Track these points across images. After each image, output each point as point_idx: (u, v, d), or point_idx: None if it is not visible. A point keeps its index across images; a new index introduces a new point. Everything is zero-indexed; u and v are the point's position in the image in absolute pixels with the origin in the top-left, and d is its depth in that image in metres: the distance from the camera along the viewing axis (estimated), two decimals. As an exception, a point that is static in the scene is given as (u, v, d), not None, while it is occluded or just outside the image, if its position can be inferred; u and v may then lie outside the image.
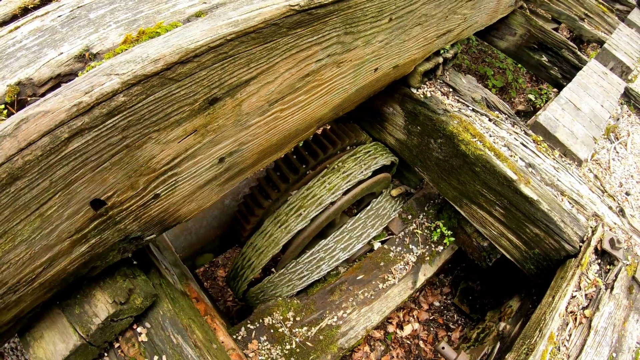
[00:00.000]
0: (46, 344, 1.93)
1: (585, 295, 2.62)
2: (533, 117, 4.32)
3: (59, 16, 1.71)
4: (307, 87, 2.01)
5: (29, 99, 1.41)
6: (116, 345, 2.11)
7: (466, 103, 3.34)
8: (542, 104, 5.38)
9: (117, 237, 1.81)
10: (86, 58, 1.54)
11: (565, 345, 2.40)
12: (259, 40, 1.63)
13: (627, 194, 3.60)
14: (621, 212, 3.15)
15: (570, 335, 2.44)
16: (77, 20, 1.67)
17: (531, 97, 5.16)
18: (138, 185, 1.65)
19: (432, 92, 3.29)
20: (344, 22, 1.96)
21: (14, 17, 1.81)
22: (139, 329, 2.15)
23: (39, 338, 1.94)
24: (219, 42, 1.50)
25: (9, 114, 1.35)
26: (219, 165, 1.88)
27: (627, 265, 2.75)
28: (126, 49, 1.50)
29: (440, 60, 3.26)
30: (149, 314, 2.18)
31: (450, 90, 3.41)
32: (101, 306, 2.00)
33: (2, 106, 1.36)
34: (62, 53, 1.51)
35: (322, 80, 2.07)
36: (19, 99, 1.41)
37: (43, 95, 1.43)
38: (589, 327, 2.46)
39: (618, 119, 4.28)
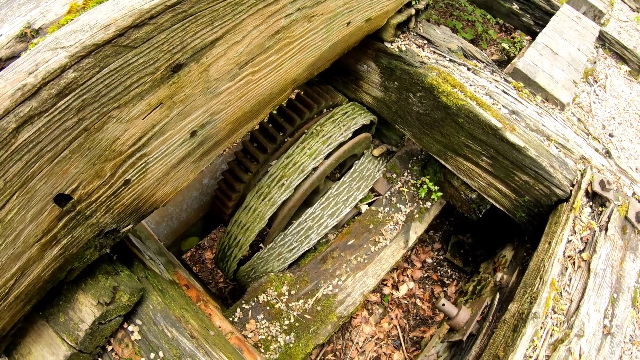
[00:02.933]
0: (34, 359, 1.75)
1: (581, 238, 2.56)
2: (511, 64, 4.21)
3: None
4: (279, 46, 1.81)
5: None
6: (109, 348, 1.96)
7: (443, 54, 3.18)
8: (516, 53, 5.28)
9: (90, 233, 1.62)
10: (28, 36, 1.31)
11: (566, 290, 2.35)
12: (221, -5, 1.42)
13: (611, 135, 3.57)
14: (607, 154, 3.09)
15: (570, 280, 2.39)
16: (14, -4, 1.43)
17: (505, 46, 5.03)
18: (104, 173, 1.45)
19: (406, 45, 3.11)
20: (311, -30, 1.76)
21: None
22: (130, 328, 1.99)
23: (27, 354, 1.79)
24: (176, 0, 1.29)
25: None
26: (191, 139, 1.68)
27: (619, 205, 2.70)
28: (72, 19, 1.27)
29: (413, 12, 3.08)
30: (139, 310, 2.02)
31: (425, 42, 3.24)
32: (86, 310, 1.83)
33: None
34: (0, 35, 1.28)
35: (293, 37, 1.87)
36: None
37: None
38: (588, 270, 2.42)
39: (595, 62, 4.24)
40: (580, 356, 2.13)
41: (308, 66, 2.17)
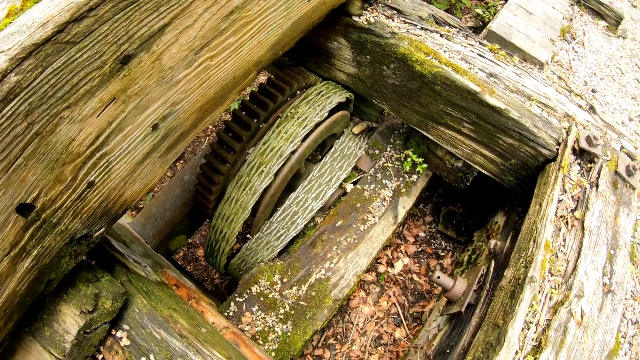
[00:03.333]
0: None
1: (572, 197, 2.54)
2: (485, 29, 4.18)
3: None
4: (235, 27, 1.77)
5: None
6: (99, 357, 1.94)
7: (413, 23, 3.14)
8: (490, 18, 5.25)
9: (61, 241, 1.59)
10: None
11: (562, 251, 2.34)
12: (164, -22, 1.38)
13: (594, 91, 3.57)
14: (591, 109, 3.07)
15: (565, 240, 2.37)
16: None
17: (478, 11, 5.00)
18: (65, 177, 1.42)
19: (375, 17, 3.07)
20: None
21: None
22: (118, 334, 1.97)
23: None
24: (116, -11, 1.26)
25: None
26: (153, 133, 1.65)
27: (608, 160, 2.68)
28: (10, 22, 1.23)
29: (378, -20, 3.03)
30: (125, 314, 2.00)
31: (394, 12, 3.20)
32: (70, 321, 1.81)
33: None
34: None
35: (250, 16, 1.83)
36: None
37: None
38: (582, 228, 2.39)
39: (571, 20, 4.24)
40: (582, 317, 2.12)
41: (271, 46, 2.13)
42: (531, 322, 2.10)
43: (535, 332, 2.09)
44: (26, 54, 1.13)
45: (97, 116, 1.39)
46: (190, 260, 5.16)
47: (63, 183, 1.42)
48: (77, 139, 1.37)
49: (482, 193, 3.74)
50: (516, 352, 2.01)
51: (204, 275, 4.99)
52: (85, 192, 1.52)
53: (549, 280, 2.23)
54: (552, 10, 3.90)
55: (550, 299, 2.17)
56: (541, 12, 3.77)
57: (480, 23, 5.17)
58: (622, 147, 2.85)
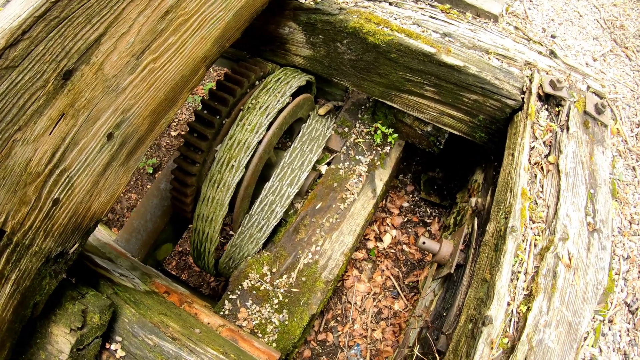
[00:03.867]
0: None
1: (544, 142, 2.62)
2: None
3: None
4: (174, 26, 1.84)
5: None
6: (98, 372, 2.02)
7: (360, -6, 3.22)
8: None
9: (37, 262, 1.66)
10: None
11: (540, 197, 2.40)
12: (92, -11, 1.45)
13: (553, 36, 3.59)
14: (552, 54, 3.16)
15: (542, 186, 2.44)
16: None
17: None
18: (29, 198, 1.49)
19: (321, -5, 3.15)
20: (185, -58, 1.78)
21: None
22: (112, 346, 2.05)
23: None
24: (45, 9, 1.33)
25: None
26: (109, 143, 1.72)
27: (575, 102, 2.76)
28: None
29: (317, -42, 3.10)
30: (115, 326, 2.08)
31: (340, -14, 3.27)
32: (61, 340, 1.88)
33: None
34: None
35: (187, 13, 1.90)
36: None
37: None
38: (558, 172, 2.46)
39: None
40: (570, 259, 2.19)
41: (216, 40, 2.20)
42: (519, 272, 2.16)
43: (525, 281, 2.15)
44: (-33, 84, 1.20)
45: (50, 134, 1.46)
46: (184, 269, 5.24)
47: (28, 204, 1.49)
48: (34, 159, 1.44)
49: (459, 154, 3.83)
50: (508, 304, 2.07)
51: (200, 281, 5.07)
52: (52, 210, 1.59)
53: (531, 228, 2.30)
54: (501, -39, 3.94)
55: (535, 246, 2.24)
56: (489, -36, 3.81)
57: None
58: (588, 87, 2.93)
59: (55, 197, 1.58)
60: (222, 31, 2.23)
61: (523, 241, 2.25)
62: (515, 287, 2.14)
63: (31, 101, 1.36)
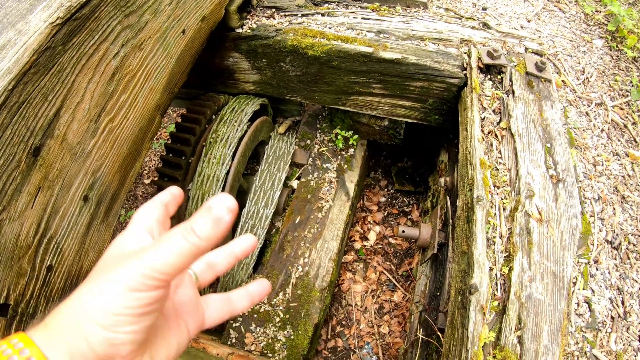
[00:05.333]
0: None
1: (493, 111, 2.80)
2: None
3: None
4: (122, 85, 2.02)
5: None
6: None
7: (293, 13, 3.43)
8: None
9: (43, 328, 1.82)
10: None
11: (500, 163, 2.56)
12: (42, 71, 1.63)
13: (484, 8, 3.80)
14: (485, 26, 3.36)
15: (500, 152, 2.60)
16: None
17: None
18: (25, 269, 1.65)
19: (257, 22, 3.34)
20: (117, 7, 1.96)
21: None
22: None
23: None
24: (4, 97, 1.50)
25: None
26: (87, 204, 1.90)
27: (515, 65, 2.95)
28: None
29: (246, -11, 3.31)
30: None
31: (273, 10, 3.48)
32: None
33: None
34: None
35: (132, 70, 2.09)
36: None
37: None
38: (511, 135, 2.62)
39: None
40: (540, 213, 2.33)
41: (164, 88, 2.39)
42: (494, 237, 2.31)
43: (502, 244, 2.30)
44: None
45: (31, 208, 1.63)
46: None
47: (25, 275, 1.65)
48: (22, 233, 1.60)
49: (422, 140, 4.06)
50: (490, 269, 2.22)
51: (203, 322, 5.19)
52: (48, 277, 1.76)
53: (497, 194, 2.46)
54: (419, -51, 4.16)
55: (504, 209, 2.40)
56: (410, -45, 4.02)
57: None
58: (526, 49, 3.15)
59: (48, 264, 1.74)
60: (169, 78, 2.42)
61: (491, 207, 2.40)
62: (493, 252, 2.28)
63: (9, 182, 1.53)
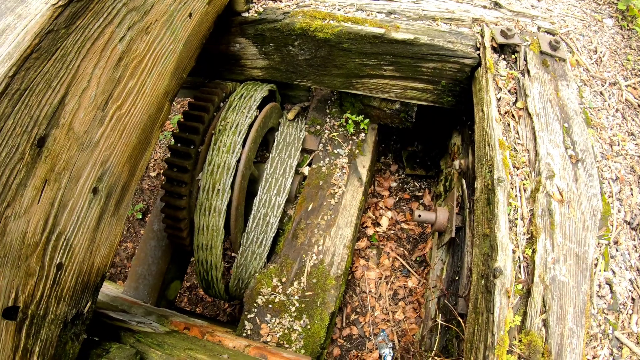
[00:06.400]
0: None
1: (509, 91, 2.70)
2: None
3: None
4: (130, 70, 1.88)
5: None
6: (138, 419, 2.04)
7: (300, -5, 3.28)
8: None
9: (56, 329, 1.70)
10: None
11: (519, 143, 2.47)
12: (45, 56, 1.48)
13: None
14: (497, 5, 3.23)
15: (518, 133, 2.51)
16: None
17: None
18: (33, 269, 1.52)
19: (264, 6, 3.20)
20: (120, -13, 1.81)
21: None
22: (147, 392, 2.08)
23: None
24: (4, 85, 1.36)
25: None
26: (96, 197, 1.76)
27: (529, 45, 2.84)
28: None
29: (251, -29, 3.15)
30: (145, 371, 2.10)
31: (279, -7, 3.32)
32: (97, 397, 1.91)
33: None
34: None
35: (139, 55, 1.94)
36: None
37: None
38: (529, 115, 2.54)
39: None
40: (561, 194, 2.26)
41: (172, 73, 2.24)
42: (516, 219, 2.23)
43: (524, 226, 2.22)
44: (-52, 174, 1.23)
45: (38, 202, 1.49)
46: (196, 302, 5.26)
47: (34, 275, 1.52)
48: (29, 231, 1.47)
49: (433, 124, 3.91)
50: (513, 251, 2.14)
51: (215, 310, 5.09)
52: (58, 276, 1.62)
53: (517, 175, 2.37)
54: None
55: (525, 190, 2.31)
56: None
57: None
58: (539, 28, 3.03)
59: (58, 262, 1.61)
60: (177, 63, 2.27)
61: (512, 189, 2.31)
62: (516, 234, 2.20)
63: (13, 175, 1.39)
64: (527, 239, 2.20)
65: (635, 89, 3.12)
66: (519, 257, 2.15)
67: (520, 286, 2.09)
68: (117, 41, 1.80)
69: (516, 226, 2.23)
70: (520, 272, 2.12)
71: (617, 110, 2.94)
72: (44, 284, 1.58)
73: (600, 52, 3.28)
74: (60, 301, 1.67)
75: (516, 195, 2.30)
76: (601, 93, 3.01)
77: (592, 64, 3.20)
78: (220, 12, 2.85)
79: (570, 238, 2.17)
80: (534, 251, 2.13)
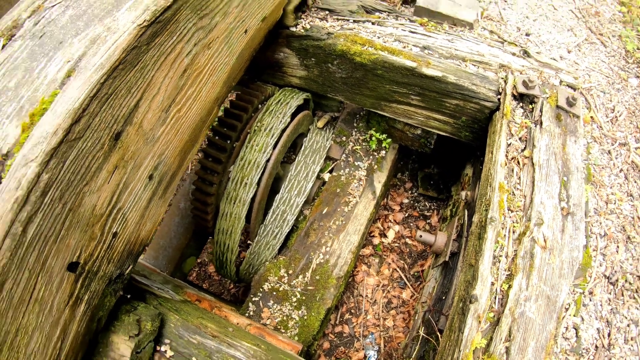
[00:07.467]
0: None
1: (520, 138, 2.99)
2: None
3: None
4: (191, 80, 2.29)
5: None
6: (151, 372, 2.46)
7: (345, 18, 3.64)
8: None
9: (102, 284, 2.13)
10: (0, 159, 1.76)
11: (518, 189, 2.77)
12: (128, 67, 1.89)
13: (527, 34, 3.87)
14: (525, 54, 3.51)
15: (520, 179, 2.81)
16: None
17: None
18: (96, 234, 1.95)
19: (310, 23, 3.57)
20: (193, 10, 2.21)
21: None
22: (162, 348, 2.48)
23: None
24: (96, 89, 1.76)
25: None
26: (150, 182, 2.19)
27: (547, 97, 3.11)
28: (27, 136, 1.74)
29: (306, -9, 3.53)
30: (164, 331, 2.51)
31: (327, 12, 3.69)
32: (122, 346, 2.32)
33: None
34: None
35: (200, 67, 2.35)
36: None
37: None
38: (532, 164, 2.82)
39: None
40: (545, 241, 2.57)
41: (224, 82, 2.65)
42: (500, 256, 2.55)
43: (506, 263, 2.54)
44: (49, 157, 1.64)
45: (108, 183, 1.91)
46: (204, 278, 5.68)
47: (95, 239, 1.95)
48: (98, 204, 1.89)
49: (450, 151, 4.26)
50: (492, 283, 2.47)
51: (220, 289, 5.51)
52: (112, 242, 2.05)
53: (509, 217, 2.69)
54: (476, -33, 4.25)
55: (513, 232, 2.64)
56: (466, -27, 4.13)
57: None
58: (561, 81, 3.30)
59: (114, 231, 2.04)
60: (229, 74, 2.68)
61: (502, 229, 2.63)
62: (497, 269, 2.52)
63: (93, 161, 1.81)
64: (506, 275, 2.52)
65: (645, 152, 3.34)
66: (496, 290, 2.49)
67: (492, 314, 2.44)
68: (185, 55, 2.21)
69: (499, 262, 2.55)
70: (494, 303, 2.47)
71: (621, 170, 3.12)
72: (101, 247, 2.00)
73: (618, 112, 3.45)
74: (110, 262, 2.10)
75: (505, 235, 2.62)
76: (609, 152, 3.19)
77: (607, 122, 3.37)
78: (272, 27, 3.25)
79: (546, 281, 2.49)
80: (509, 287, 2.47)
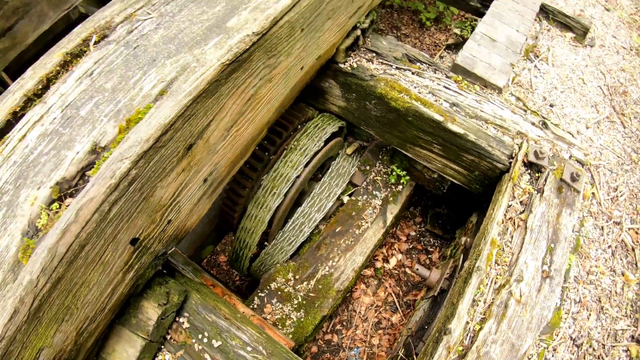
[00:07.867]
0: (119, 354, 2.75)
1: (521, 202, 3.40)
2: (453, 60, 4.98)
3: (54, 118, 2.36)
4: (252, 106, 2.84)
5: (68, 191, 2.19)
6: (168, 337, 2.96)
7: (390, 63, 4.15)
8: (468, 35, 5.95)
9: (150, 258, 2.68)
10: (97, 151, 2.27)
11: (508, 246, 3.18)
12: (209, 95, 2.44)
13: (551, 105, 4.22)
14: (544, 125, 3.92)
15: (512, 237, 3.22)
16: (73, 120, 2.35)
17: (456, 31, 5.90)
18: (156, 219, 2.50)
19: (358, 62, 4.09)
20: (265, 52, 2.76)
21: (8, 124, 2.36)
22: (181, 320, 2.98)
23: (112, 352, 2.77)
24: (183, 110, 2.30)
25: (58, 208, 2.14)
26: (204, 184, 2.75)
27: (554, 169, 3.50)
28: (124, 137, 2.25)
29: (359, 32, 4.05)
30: (185, 306, 3.02)
31: (374, 54, 4.21)
32: (151, 311, 2.83)
33: (57, 205, 2.14)
34: (78, 152, 2.23)
35: (261, 96, 2.90)
36: (61, 195, 2.19)
37: (76, 185, 2.20)
38: (525, 227, 3.23)
39: (537, 37, 4.82)
40: (520, 296, 2.96)
41: (276, 109, 3.21)
42: (479, 300, 2.97)
43: (483, 308, 2.97)
44: (139, 158, 2.18)
45: (174, 181, 2.47)
46: (213, 266, 6.22)
47: (155, 223, 2.50)
48: (164, 197, 2.45)
49: (461, 197, 4.74)
50: (467, 322, 2.91)
51: (226, 279, 6.05)
52: (166, 226, 2.61)
53: (495, 269, 3.11)
54: (516, 33, 4.55)
55: (495, 283, 3.05)
56: (504, 38, 4.41)
57: (461, 39, 6.13)
58: (571, 156, 3.72)
59: (169, 218, 2.60)
60: (281, 102, 3.24)
61: (486, 278, 3.06)
62: (474, 311, 2.95)
63: (169, 164, 2.36)
64: (481, 317, 2.95)
65: (637, 233, 3.57)
66: (469, 328, 2.94)
67: (461, 348, 2.90)
68: (251, 87, 2.77)
69: (477, 305, 2.97)
70: (465, 339, 2.92)
71: (609, 246, 3.42)
72: (157, 229, 2.56)
73: (620, 191, 3.78)
74: (160, 242, 2.65)
75: (487, 284, 3.05)
76: (602, 227, 3.51)
77: (607, 199, 3.69)
78: (324, 64, 3.79)
79: (513, 330, 2.91)
80: (481, 328, 2.90)
